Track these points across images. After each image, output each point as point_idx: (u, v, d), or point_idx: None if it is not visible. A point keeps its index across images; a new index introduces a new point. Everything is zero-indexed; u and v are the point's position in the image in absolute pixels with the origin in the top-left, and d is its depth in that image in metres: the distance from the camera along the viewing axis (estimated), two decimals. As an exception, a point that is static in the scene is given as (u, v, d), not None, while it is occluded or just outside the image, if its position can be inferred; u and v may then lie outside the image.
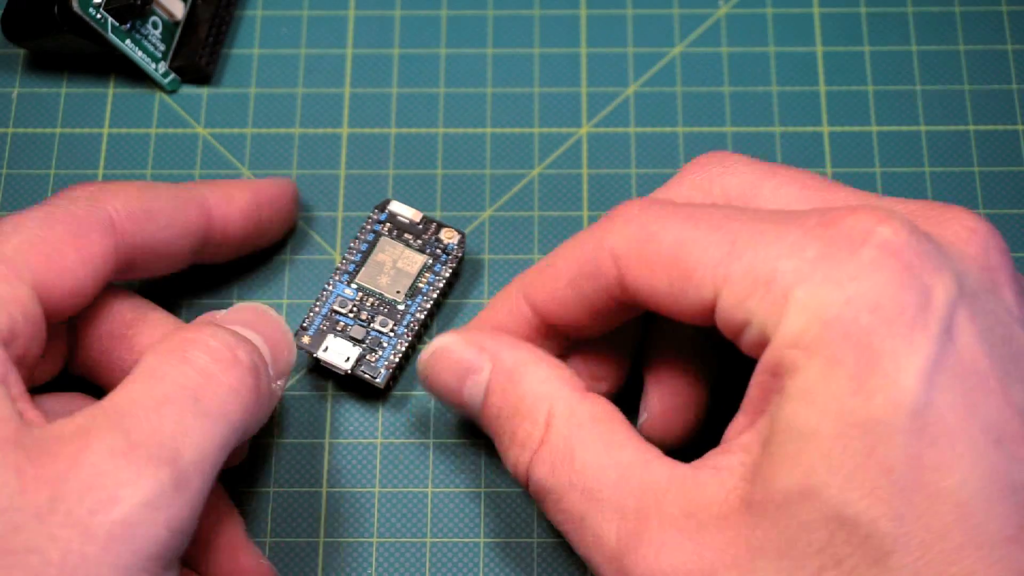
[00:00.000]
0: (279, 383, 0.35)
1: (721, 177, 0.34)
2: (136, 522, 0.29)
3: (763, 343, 0.29)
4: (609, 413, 0.33)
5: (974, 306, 0.29)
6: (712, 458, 0.31)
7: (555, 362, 0.34)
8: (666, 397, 0.36)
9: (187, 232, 0.37)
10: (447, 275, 0.40)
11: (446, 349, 0.35)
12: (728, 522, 0.29)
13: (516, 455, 0.33)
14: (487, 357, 0.34)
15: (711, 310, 0.31)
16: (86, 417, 0.30)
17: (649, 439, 0.33)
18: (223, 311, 0.36)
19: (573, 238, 0.34)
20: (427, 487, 0.39)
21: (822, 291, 0.28)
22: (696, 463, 0.31)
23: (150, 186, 0.37)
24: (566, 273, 0.34)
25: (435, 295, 0.40)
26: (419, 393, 0.41)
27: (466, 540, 0.39)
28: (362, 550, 0.39)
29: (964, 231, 0.31)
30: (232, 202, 0.39)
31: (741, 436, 0.30)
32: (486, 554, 0.38)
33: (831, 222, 0.29)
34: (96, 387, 0.37)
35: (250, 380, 0.33)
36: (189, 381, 0.31)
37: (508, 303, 0.36)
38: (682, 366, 0.36)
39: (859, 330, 0.28)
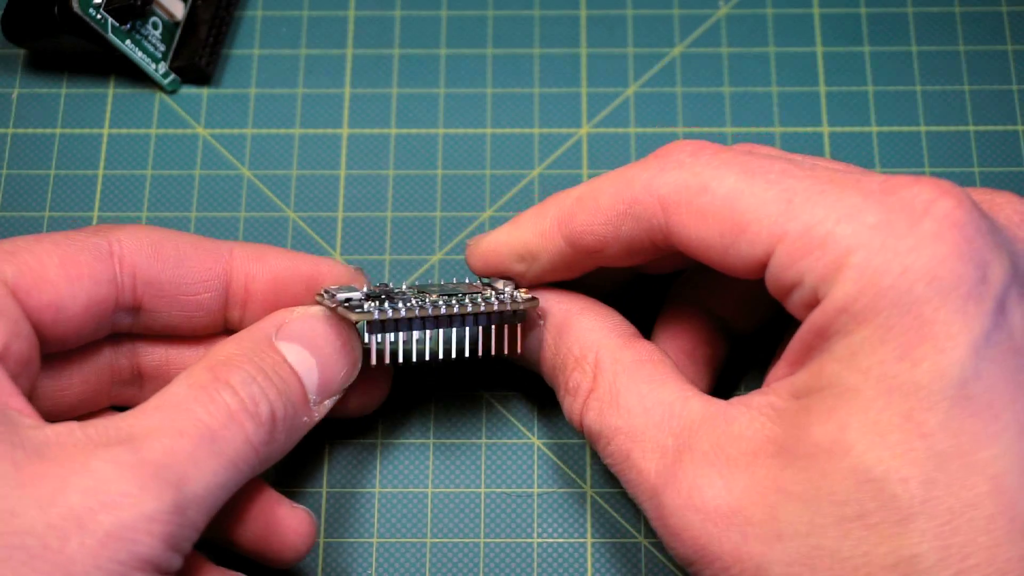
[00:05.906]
0: (323, 404, 0.35)
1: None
2: (136, 528, 0.29)
3: (813, 304, 0.30)
4: (652, 354, 0.34)
5: None
6: (747, 397, 0.31)
7: (601, 311, 0.35)
8: (680, 354, 0.37)
9: (199, 276, 0.35)
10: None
11: None
12: (757, 461, 0.30)
13: (570, 403, 0.35)
14: (543, 312, 0.36)
15: (762, 266, 0.31)
16: (96, 429, 0.30)
17: None
18: (295, 313, 0.35)
19: (618, 174, 0.34)
20: (427, 487, 0.39)
21: (879, 259, 0.28)
22: (731, 400, 0.32)
23: (168, 229, 0.35)
24: (608, 210, 0.33)
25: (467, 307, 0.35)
26: (420, 393, 0.40)
27: (466, 540, 0.39)
28: (362, 550, 0.39)
29: (1017, 215, 0.31)
30: (264, 261, 0.36)
31: (777, 382, 0.31)
32: (486, 554, 0.38)
33: (892, 189, 0.29)
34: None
35: (264, 435, 0.32)
36: (212, 420, 0.31)
37: (541, 225, 0.35)
38: (697, 323, 0.37)
39: (913, 300, 0.28)
